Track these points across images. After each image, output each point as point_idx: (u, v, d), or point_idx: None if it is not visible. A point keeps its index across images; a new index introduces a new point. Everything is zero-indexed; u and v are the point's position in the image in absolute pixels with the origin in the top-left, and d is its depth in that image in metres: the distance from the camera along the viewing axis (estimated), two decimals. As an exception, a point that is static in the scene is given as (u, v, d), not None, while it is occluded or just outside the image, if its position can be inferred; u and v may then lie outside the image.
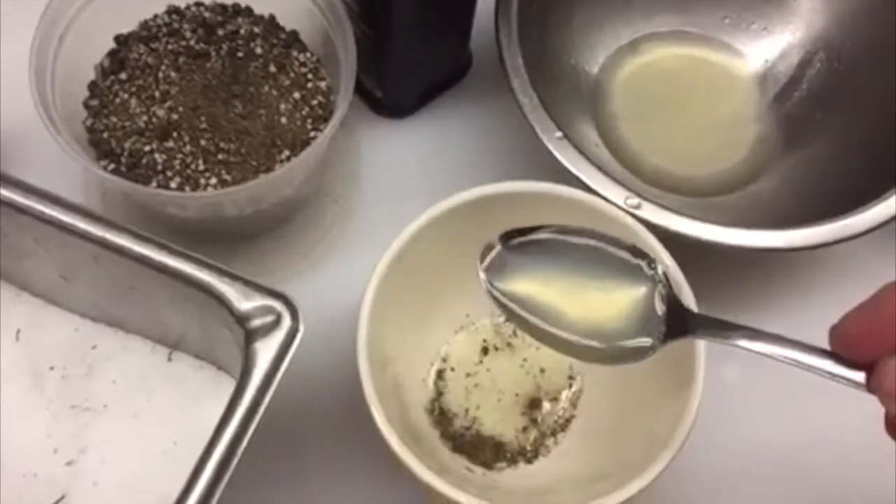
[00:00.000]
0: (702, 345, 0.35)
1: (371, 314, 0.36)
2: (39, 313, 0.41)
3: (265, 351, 0.33)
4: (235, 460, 0.32)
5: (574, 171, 0.40)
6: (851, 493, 0.42)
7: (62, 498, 0.37)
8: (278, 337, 0.33)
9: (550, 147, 0.41)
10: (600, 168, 0.40)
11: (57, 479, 0.37)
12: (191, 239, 0.42)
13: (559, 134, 0.41)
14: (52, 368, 0.40)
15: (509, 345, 0.43)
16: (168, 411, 0.39)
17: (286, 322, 0.33)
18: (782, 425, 0.44)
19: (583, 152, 0.41)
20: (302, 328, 0.33)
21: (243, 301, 0.33)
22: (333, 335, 0.39)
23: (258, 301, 0.33)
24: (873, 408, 0.44)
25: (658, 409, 0.37)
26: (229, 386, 0.39)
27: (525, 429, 0.41)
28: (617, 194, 0.40)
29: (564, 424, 0.41)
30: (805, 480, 0.43)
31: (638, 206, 0.39)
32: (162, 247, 0.34)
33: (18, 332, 0.40)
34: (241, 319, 0.33)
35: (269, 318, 0.33)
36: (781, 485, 0.42)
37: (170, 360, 0.40)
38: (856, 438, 0.43)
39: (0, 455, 0.38)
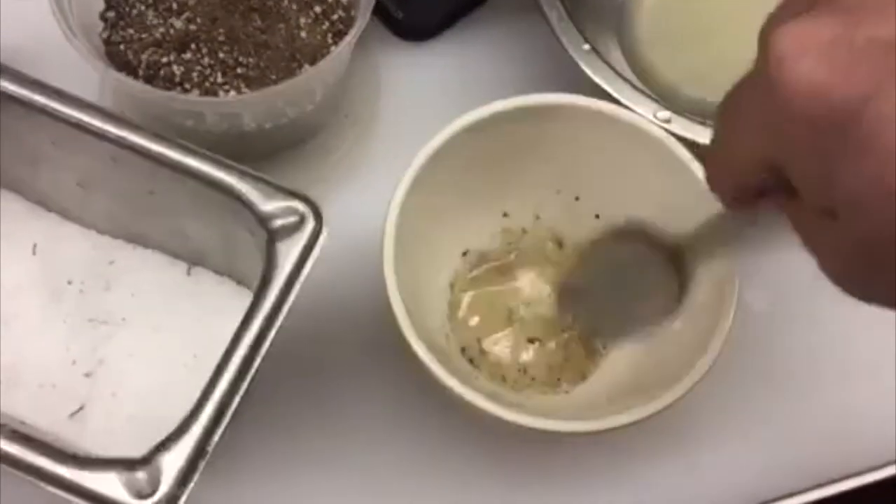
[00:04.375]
0: (735, 273, 0.35)
1: (397, 231, 0.35)
2: (56, 229, 0.40)
3: (288, 252, 0.32)
4: (256, 363, 0.31)
5: (602, 83, 0.39)
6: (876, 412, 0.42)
7: (81, 408, 0.37)
8: (301, 238, 0.32)
9: (578, 59, 0.40)
10: (628, 80, 0.39)
11: (76, 389, 0.37)
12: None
13: (587, 46, 0.40)
14: (69, 283, 0.39)
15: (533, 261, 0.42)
16: (188, 325, 0.38)
17: (309, 223, 0.32)
18: (809, 351, 0.43)
19: (611, 65, 0.40)
20: (325, 231, 0.32)
21: (266, 202, 0.33)
22: (354, 253, 0.38)
23: (281, 202, 0.33)
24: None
25: (692, 330, 0.36)
26: (250, 300, 0.39)
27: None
28: (646, 108, 0.39)
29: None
30: (828, 409, 0.42)
31: (668, 120, 0.39)
32: (182, 147, 0.33)
33: (35, 246, 0.40)
34: (264, 220, 0.32)
35: (293, 219, 0.32)
36: (805, 405, 0.42)
37: (189, 274, 0.39)
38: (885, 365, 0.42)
39: (19, 366, 0.37)
